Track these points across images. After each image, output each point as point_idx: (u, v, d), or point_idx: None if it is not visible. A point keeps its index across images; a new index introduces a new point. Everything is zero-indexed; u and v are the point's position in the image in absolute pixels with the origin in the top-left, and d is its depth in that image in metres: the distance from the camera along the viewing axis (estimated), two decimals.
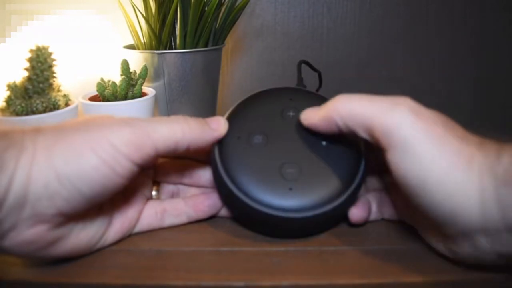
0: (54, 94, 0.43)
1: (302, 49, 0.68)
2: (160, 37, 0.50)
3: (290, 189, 0.28)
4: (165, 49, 0.50)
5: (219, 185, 0.31)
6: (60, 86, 0.44)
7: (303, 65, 0.48)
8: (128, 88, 0.46)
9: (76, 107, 0.44)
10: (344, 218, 0.31)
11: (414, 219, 0.30)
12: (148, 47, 0.52)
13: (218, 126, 0.29)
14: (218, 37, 0.53)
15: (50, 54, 0.41)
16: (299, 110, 0.31)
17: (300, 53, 0.68)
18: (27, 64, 0.41)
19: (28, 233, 0.23)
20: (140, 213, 0.31)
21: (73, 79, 0.55)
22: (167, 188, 0.34)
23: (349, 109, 0.26)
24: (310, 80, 0.49)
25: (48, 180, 0.23)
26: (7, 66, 0.54)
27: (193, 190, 0.33)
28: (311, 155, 0.30)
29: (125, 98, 0.46)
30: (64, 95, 0.44)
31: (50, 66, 0.41)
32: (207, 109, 0.54)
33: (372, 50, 0.69)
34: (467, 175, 0.23)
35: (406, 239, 0.30)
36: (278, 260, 0.27)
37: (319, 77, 0.54)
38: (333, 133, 0.28)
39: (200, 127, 0.28)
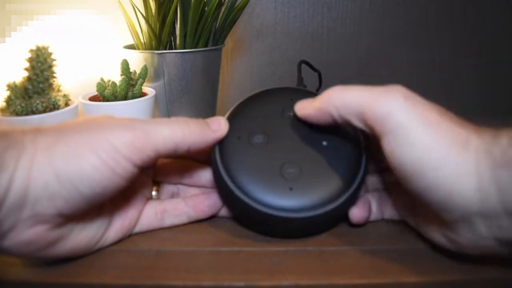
0: (54, 94, 0.43)
1: (302, 49, 0.68)
2: (160, 37, 0.50)
3: (291, 189, 0.28)
4: (165, 49, 0.50)
5: (220, 185, 0.31)
6: (60, 86, 0.44)
7: (303, 65, 0.48)
8: (128, 88, 0.46)
9: (76, 107, 0.44)
10: (345, 218, 0.31)
11: (414, 216, 0.29)
12: (148, 47, 0.52)
13: (219, 126, 0.29)
14: (218, 37, 0.52)
15: (50, 54, 0.41)
16: None
17: (300, 53, 0.68)
18: (27, 64, 0.41)
19: (28, 234, 0.23)
20: (140, 213, 0.31)
21: (73, 79, 0.55)
22: (167, 188, 0.34)
23: (343, 99, 0.26)
24: (310, 80, 0.49)
25: (48, 180, 0.23)
26: (7, 66, 0.54)
27: (193, 190, 0.33)
28: (312, 155, 0.30)
29: (125, 98, 0.46)
30: (64, 95, 0.44)
31: (50, 66, 0.41)
32: (207, 109, 0.54)
33: (372, 50, 0.69)
34: (463, 157, 0.23)
35: (406, 239, 0.30)
36: (278, 260, 0.27)
37: (319, 77, 0.54)
38: (327, 124, 0.28)
39: (201, 129, 0.28)
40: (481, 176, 0.22)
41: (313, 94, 0.34)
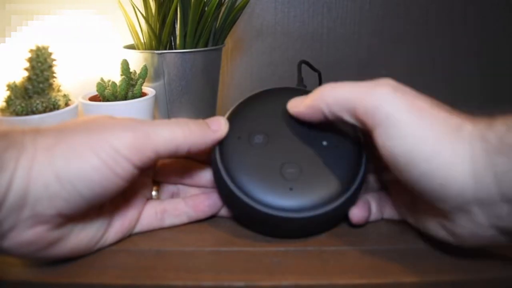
0: (54, 94, 0.43)
1: (302, 49, 0.68)
2: (160, 37, 0.50)
3: (291, 189, 0.28)
4: (165, 49, 0.50)
5: (220, 185, 0.31)
6: (60, 86, 0.44)
7: (303, 65, 0.48)
8: (128, 88, 0.46)
9: (76, 107, 0.44)
10: (345, 218, 0.31)
11: (413, 214, 0.29)
12: (148, 47, 0.52)
13: (219, 127, 0.29)
14: (218, 37, 0.52)
15: (50, 54, 0.41)
16: None
17: (300, 53, 0.68)
18: (27, 64, 0.41)
19: (28, 234, 0.23)
20: (140, 213, 0.31)
21: (73, 79, 0.55)
22: (167, 188, 0.34)
23: (334, 96, 0.27)
24: (310, 80, 0.49)
25: (48, 181, 0.23)
26: (7, 66, 0.54)
27: (193, 190, 0.33)
28: (312, 155, 0.30)
29: (125, 98, 0.46)
30: (64, 95, 0.44)
31: (50, 66, 0.41)
32: (207, 109, 0.54)
33: (372, 50, 0.69)
34: (456, 144, 0.23)
35: (406, 239, 0.30)
36: (278, 260, 0.27)
37: (319, 77, 0.54)
38: (318, 121, 0.29)
39: (201, 130, 0.28)
40: (476, 163, 0.22)
41: None
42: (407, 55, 0.69)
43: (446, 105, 0.25)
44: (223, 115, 0.32)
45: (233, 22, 0.53)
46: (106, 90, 0.45)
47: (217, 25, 0.52)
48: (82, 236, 0.27)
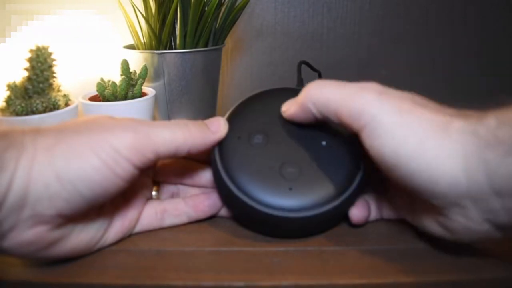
0: (54, 94, 0.43)
1: (302, 49, 0.68)
2: (160, 37, 0.50)
3: (290, 188, 0.28)
4: (165, 49, 0.50)
5: (219, 185, 0.31)
6: (60, 86, 0.44)
7: (303, 65, 0.48)
8: (128, 88, 0.46)
9: (76, 107, 0.44)
10: (344, 218, 0.31)
11: (411, 212, 0.29)
12: (148, 47, 0.52)
13: (218, 127, 0.30)
14: (218, 37, 0.53)
15: (50, 54, 0.41)
16: None
17: (300, 53, 0.68)
18: (27, 64, 0.41)
19: (28, 234, 0.23)
20: (140, 213, 0.31)
21: (73, 79, 0.55)
22: (167, 188, 0.34)
23: (319, 96, 0.27)
24: (310, 80, 0.49)
25: (48, 181, 0.23)
26: (7, 66, 0.54)
27: (193, 190, 0.33)
28: (311, 155, 0.30)
29: (125, 98, 0.46)
30: (64, 95, 0.44)
31: (50, 66, 0.42)
32: (207, 109, 0.54)
33: (372, 50, 0.69)
34: (443, 142, 0.23)
35: (406, 239, 0.30)
36: (278, 260, 0.27)
37: (319, 77, 0.54)
38: (311, 122, 0.29)
39: (201, 131, 0.28)
40: (467, 158, 0.22)
41: None
42: (407, 55, 0.69)
43: (439, 105, 0.25)
44: (223, 115, 0.32)
45: (233, 22, 0.53)
46: (106, 90, 0.45)
47: (217, 25, 0.52)
48: (82, 236, 0.27)
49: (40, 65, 0.41)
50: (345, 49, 0.68)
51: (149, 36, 0.51)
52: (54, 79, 0.43)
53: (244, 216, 0.31)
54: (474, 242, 0.26)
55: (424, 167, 0.23)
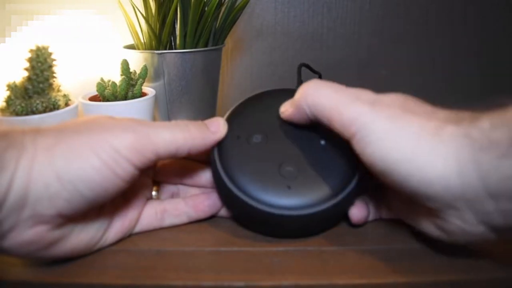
0: (54, 94, 0.43)
1: (302, 49, 0.68)
2: (160, 37, 0.50)
3: (289, 187, 0.28)
4: (165, 49, 0.50)
5: (218, 184, 0.31)
6: (60, 86, 0.44)
7: (303, 67, 0.48)
8: (128, 88, 0.46)
9: (76, 107, 0.44)
10: (343, 217, 0.31)
11: (409, 213, 0.29)
12: (148, 47, 0.52)
13: (218, 128, 0.30)
14: (218, 37, 0.53)
15: (50, 54, 0.41)
16: None
17: (300, 53, 0.68)
18: (27, 64, 0.41)
19: (28, 234, 0.23)
20: (140, 213, 0.31)
21: (73, 79, 0.55)
22: (167, 188, 0.34)
23: (314, 99, 0.27)
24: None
25: (48, 181, 0.23)
26: (7, 66, 0.54)
27: (193, 190, 0.33)
28: (310, 154, 0.30)
29: (125, 98, 0.46)
30: (64, 95, 0.44)
31: (50, 66, 0.42)
32: (207, 109, 0.54)
33: (372, 50, 0.69)
34: (434, 146, 0.23)
35: (405, 239, 0.30)
36: (278, 260, 0.27)
37: (319, 79, 0.54)
38: (306, 123, 0.29)
39: (201, 132, 0.28)
40: (461, 160, 0.22)
41: None
42: (407, 55, 0.69)
43: (434, 107, 0.25)
44: (223, 115, 0.32)
45: (233, 22, 0.53)
46: (106, 90, 0.45)
47: (217, 25, 0.52)
48: (82, 236, 0.27)
49: (40, 65, 0.41)
50: (345, 49, 0.68)
51: (149, 36, 0.51)
52: (54, 79, 0.43)
53: (243, 216, 0.31)
54: (470, 244, 0.26)
55: (417, 172, 0.23)
